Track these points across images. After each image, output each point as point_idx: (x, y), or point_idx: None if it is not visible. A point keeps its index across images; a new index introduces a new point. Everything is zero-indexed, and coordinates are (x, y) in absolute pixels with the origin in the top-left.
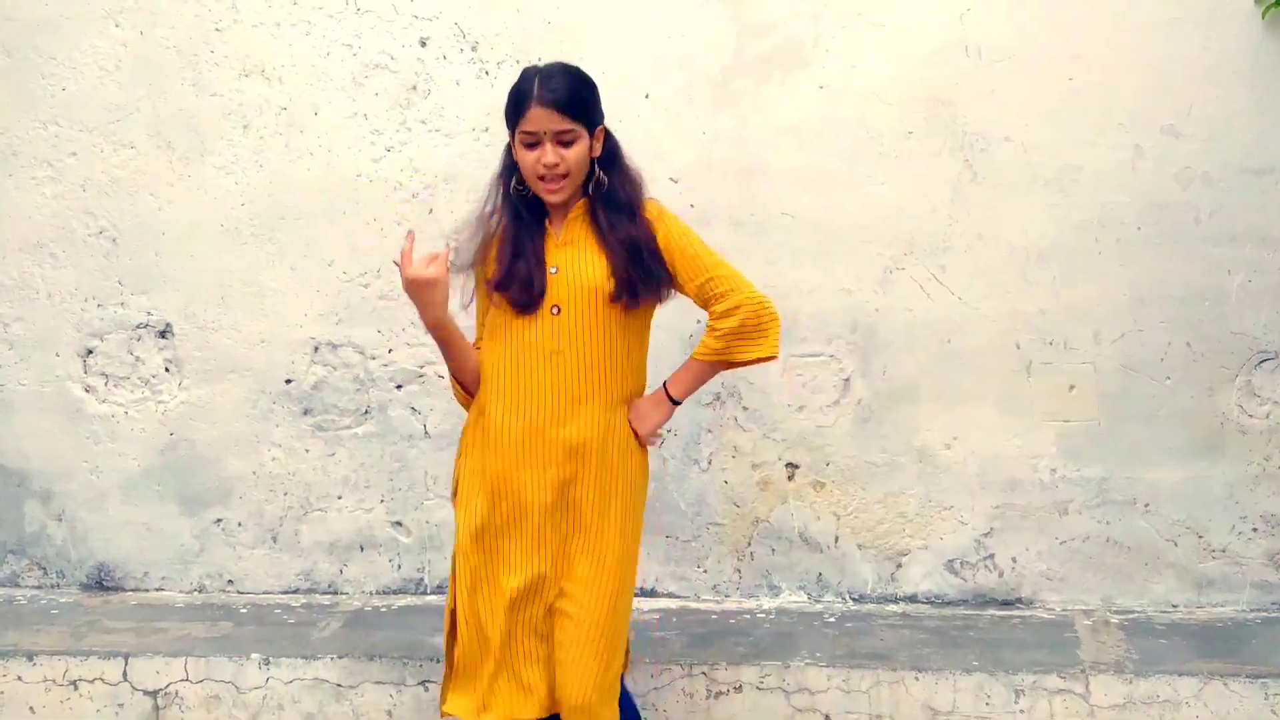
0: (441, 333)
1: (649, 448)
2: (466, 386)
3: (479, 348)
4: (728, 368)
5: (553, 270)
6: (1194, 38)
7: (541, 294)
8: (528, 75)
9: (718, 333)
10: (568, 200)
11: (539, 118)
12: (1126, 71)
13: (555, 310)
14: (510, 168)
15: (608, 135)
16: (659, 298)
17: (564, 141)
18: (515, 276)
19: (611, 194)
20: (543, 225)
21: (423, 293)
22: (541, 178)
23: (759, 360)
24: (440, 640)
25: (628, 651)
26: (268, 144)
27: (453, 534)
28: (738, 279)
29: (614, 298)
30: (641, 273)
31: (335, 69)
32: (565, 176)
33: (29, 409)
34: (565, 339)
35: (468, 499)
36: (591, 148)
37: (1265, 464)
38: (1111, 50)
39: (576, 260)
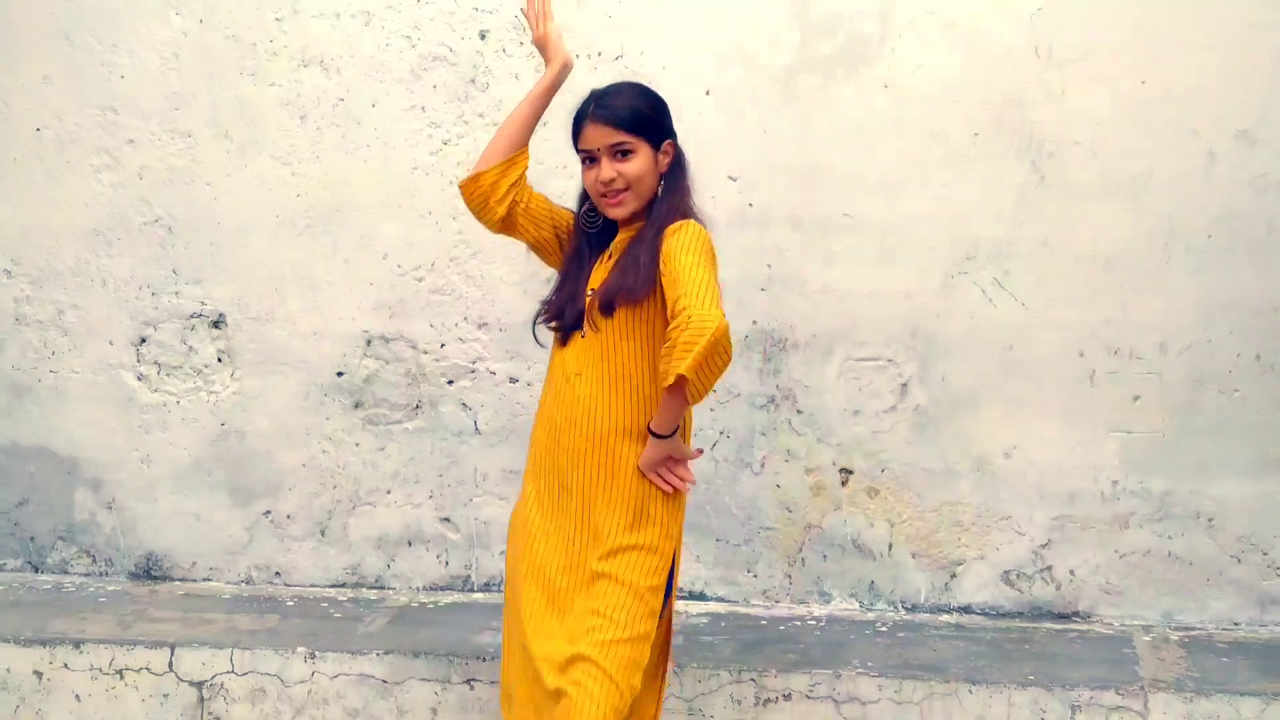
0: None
1: (686, 483)
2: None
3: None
4: (682, 399)
5: (590, 293)
6: (1271, 41)
7: (575, 323)
8: (587, 97)
9: (670, 354)
10: (633, 217)
11: (592, 134)
12: (1201, 75)
13: (582, 333)
14: (583, 196)
15: (678, 150)
16: (633, 301)
17: (621, 153)
18: (557, 305)
19: (654, 212)
20: (604, 249)
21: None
22: (603, 195)
23: (675, 378)
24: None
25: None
26: (325, 135)
27: (500, 531)
28: (697, 296)
29: (600, 306)
30: (626, 285)
31: (394, 61)
32: (626, 190)
33: (81, 397)
34: (586, 358)
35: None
36: (659, 162)
37: None
38: (1185, 53)
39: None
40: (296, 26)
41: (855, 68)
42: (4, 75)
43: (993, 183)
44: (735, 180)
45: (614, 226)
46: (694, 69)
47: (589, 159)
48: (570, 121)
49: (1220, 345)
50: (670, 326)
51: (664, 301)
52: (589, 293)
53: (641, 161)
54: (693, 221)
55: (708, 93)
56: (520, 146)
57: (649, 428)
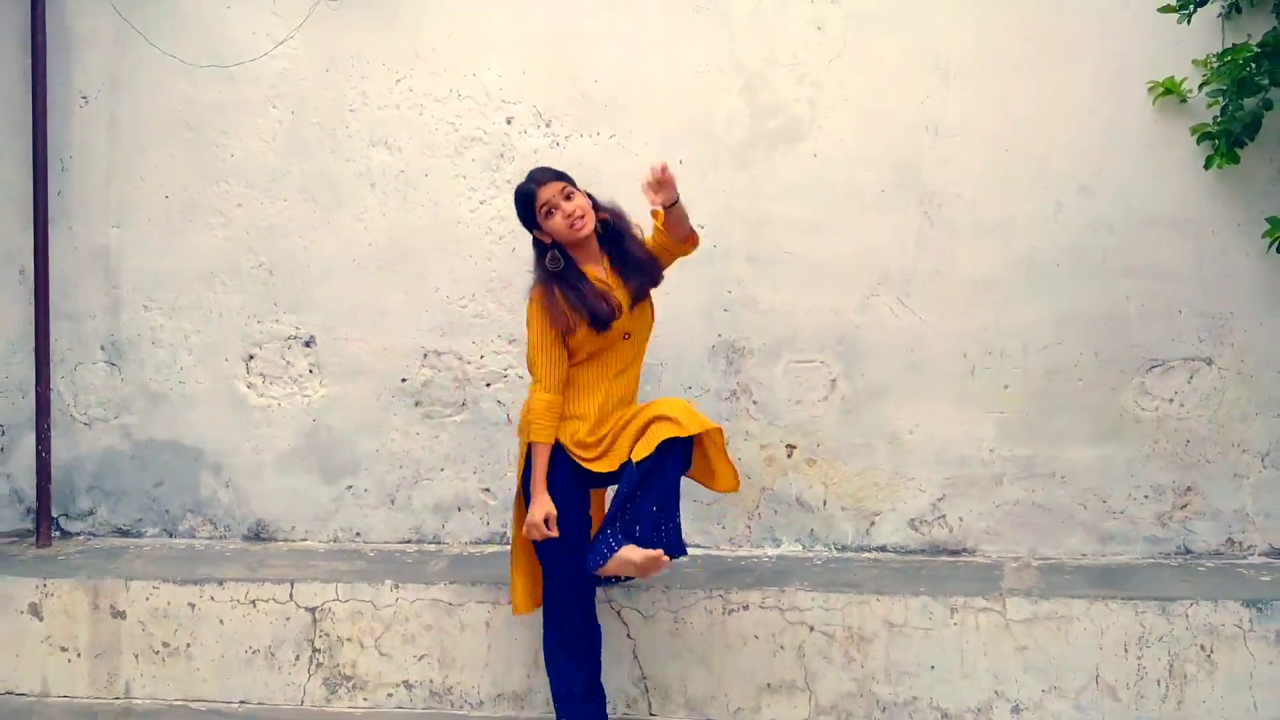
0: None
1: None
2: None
3: (543, 384)
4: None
5: (618, 307)
6: (1102, 116)
7: (616, 310)
8: (522, 183)
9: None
10: (591, 246)
11: (545, 192)
12: (1050, 143)
13: (626, 336)
14: (542, 255)
15: (589, 194)
16: (658, 278)
17: (567, 196)
18: (598, 312)
19: (612, 232)
20: (583, 276)
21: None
22: (571, 226)
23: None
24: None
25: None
26: (389, 198)
27: None
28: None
29: (638, 298)
30: (647, 276)
31: (441, 141)
32: (584, 217)
33: (204, 402)
34: (627, 357)
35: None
36: (585, 198)
37: (1154, 446)
38: (1040, 126)
39: (624, 298)
40: (366, 116)
41: (792, 141)
42: (139, 155)
43: (896, 227)
44: (703, 227)
45: (569, 267)
46: (670, 143)
47: (549, 212)
48: (516, 209)
49: (1069, 346)
50: (678, 244)
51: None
52: (617, 307)
53: (581, 199)
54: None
55: (680, 161)
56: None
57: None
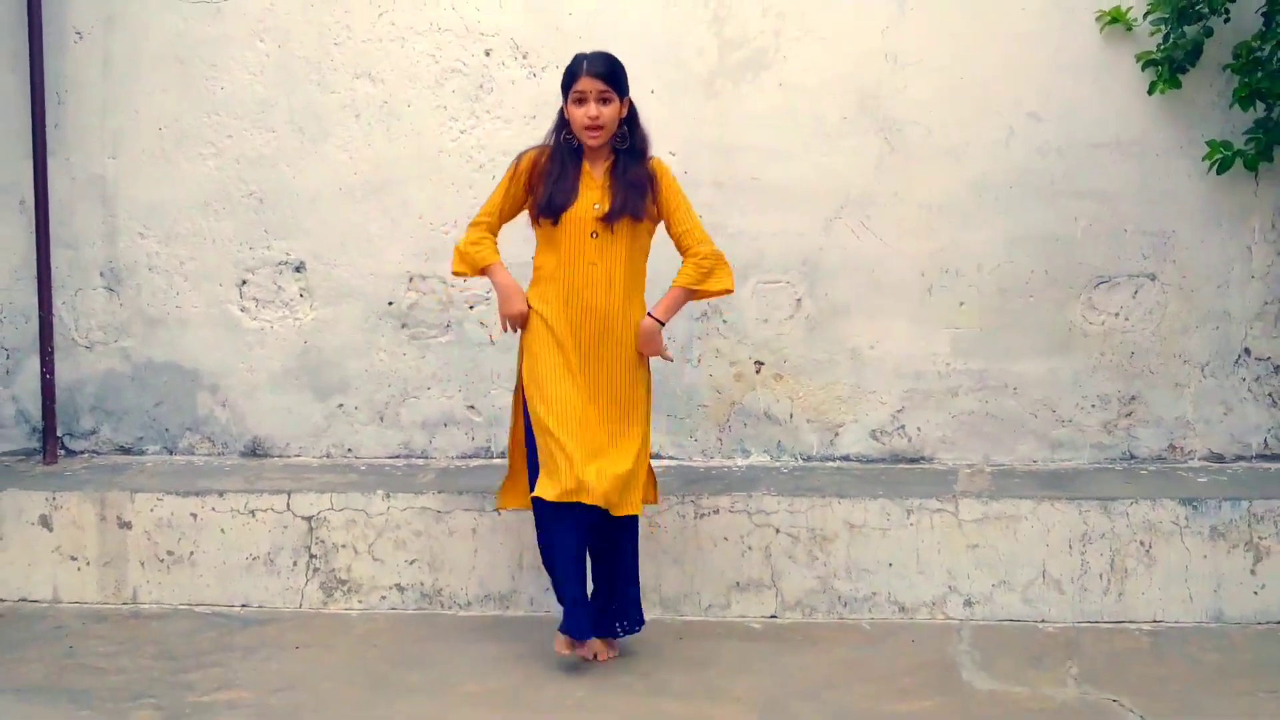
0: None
1: (667, 361)
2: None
3: (489, 224)
4: (696, 297)
5: (596, 206)
6: (1049, 44)
7: (559, 211)
8: (579, 56)
9: (699, 267)
10: (603, 149)
11: (587, 83)
12: (1001, 70)
13: (594, 235)
14: (560, 126)
15: (632, 104)
16: (637, 219)
17: (603, 100)
18: (554, 199)
19: (629, 148)
20: (579, 165)
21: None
22: (586, 127)
23: (722, 291)
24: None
25: (654, 483)
26: (373, 129)
27: (509, 414)
28: (704, 235)
29: (605, 217)
30: (631, 204)
31: (423, 73)
32: (602, 128)
33: (200, 325)
34: (599, 254)
35: (540, 328)
36: (621, 110)
37: (1100, 359)
38: (990, 54)
39: (608, 199)
40: (351, 48)
41: (758, 71)
42: (133, 89)
43: (858, 152)
44: (674, 154)
45: (579, 150)
46: (641, 74)
47: (580, 100)
48: (561, 76)
49: (1020, 265)
50: (700, 255)
51: (653, 216)
52: (594, 206)
53: (614, 108)
54: (660, 159)
55: (652, 91)
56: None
57: (656, 316)
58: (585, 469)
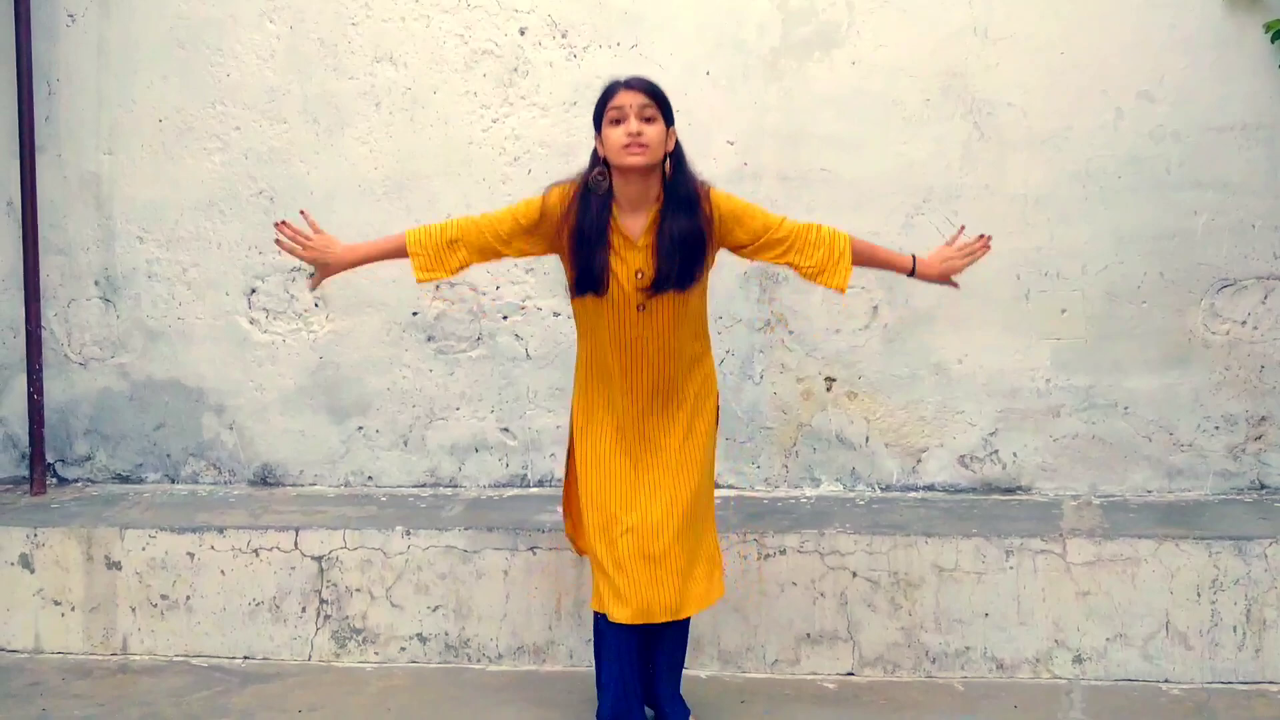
0: (357, 261)
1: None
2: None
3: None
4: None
5: (639, 274)
6: (1165, 16)
7: (603, 284)
8: (612, 82)
9: (824, 262)
10: (644, 195)
11: (626, 97)
12: (1108, 45)
13: (641, 308)
14: (592, 166)
15: (678, 141)
16: (686, 286)
17: (645, 118)
18: (594, 278)
19: (674, 192)
20: (608, 219)
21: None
22: (626, 145)
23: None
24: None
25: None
26: (396, 118)
27: (549, 436)
28: (799, 224)
29: (648, 289)
30: (680, 265)
31: (450, 55)
32: (645, 147)
33: (205, 339)
34: (649, 328)
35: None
36: (666, 140)
37: (1225, 373)
38: (1096, 28)
39: (653, 264)
40: (370, 29)
41: (828, 49)
42: (131, 77)
43: (942, 140)
44: (733, 144)
45: (607, 199)
46: (696, 55)
47: (617, 119)
48: (594, 104)
49: (1130, 266)
50: (818, 246)
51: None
52: (636, 273)
53: (658, 130)
54: (711, 185)
55: (708, 73)
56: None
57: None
58: (649, 585)
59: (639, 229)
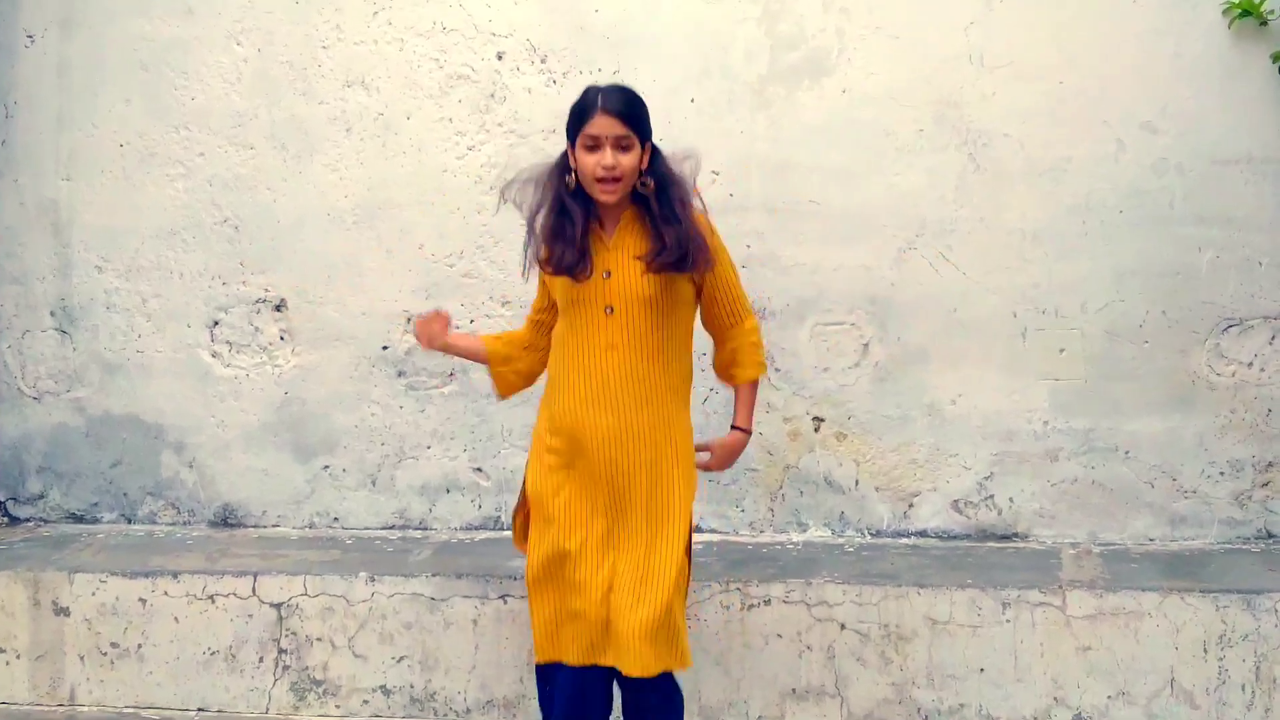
0: (454, 352)
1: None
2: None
3: (537, 321)
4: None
5: (606, 274)
6: (1168, 44)
7: (585, 260)
8: (591, 90)
9: (759, 349)
10: (618, 205)
11: (602, 124)
12: (1109, 75)
13: (609, 310)
14: (562, 171)
15: (655, 149)
16: (681, 270)
17: (622, 147)
18: (563, 259)
19: (663, 197)
20: (588, 220)
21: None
22: (600, 179)
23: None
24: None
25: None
26: (367, 145)
27: (522, 477)
28: (747, 307)
29: (649, 266)
30: (679, 253)
31: (424, 79)
32: (619, 180)
33: (164, 373)
34: (620, 335)
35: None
36: (641, 159)
37: (1231, 416)
38: (1096, 56)
39: (626, 266)
40: (341, 52)
41: (817, 77)
42: (91, 100)
43: (935, 171)
44: (718, 175)
45: (587, 203)
46: (680, 81)
47: (592, 146)
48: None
49: (1132, 304)
50: (741, 333)
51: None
52: (603, 273)
53: (635, 157)
54: (707, 219)
55: (692, 101)
56: (486, 356)
57: (743, 427)
58: (601, 622)
59: (613, 227)
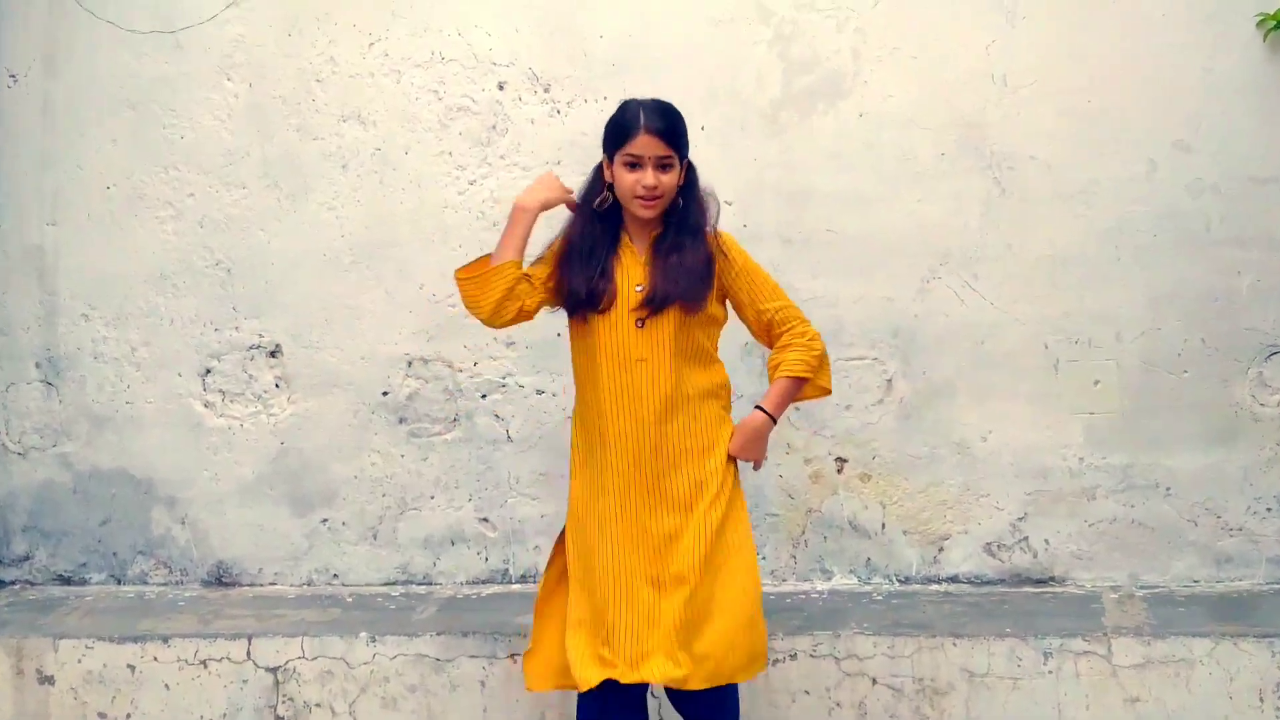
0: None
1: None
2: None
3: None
4: (801, 396)
5: (639, 288)
6: (1199, 59)
7: (599, 299)
8: (633, 106)
9: (810, 350)
10: (653, 220)
11: (645, 144)
12: (1139, 92)
13: (640, 323)
14: (594, 187)
15: (690, 167)
16: (690, 308)
17: (663, 166)
18: (585, 286)
19: (683, 218)
20: (616, 240)
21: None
22: (639, 197)
23: (824, 392)
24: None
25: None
26: (364, 181)
27: (533, 527)
28: (803, 315)
29: (640, 305)
30: (681, 289)
31: (423, 112)
32: (659, 198)
33: (155, 424)
34: (649, 348)
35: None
36: (679, 176)
37: (1277, 449)
38: (1125, 73)
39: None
40: (335, 86)
41: (832, 100)
42: (77, 139)
43: (959, 196)
44: (730, 204)
45: (614, 215)
46: (690, 107)
47: (633, 164)
48: (605, 127)
49: (1169, 332)
50: (808, 335)
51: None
52: (636, 287)
53: (675, 175)
54: (729, 234)
55: (702, 128)
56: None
57: (768, 410)
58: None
59: (644, 245)
